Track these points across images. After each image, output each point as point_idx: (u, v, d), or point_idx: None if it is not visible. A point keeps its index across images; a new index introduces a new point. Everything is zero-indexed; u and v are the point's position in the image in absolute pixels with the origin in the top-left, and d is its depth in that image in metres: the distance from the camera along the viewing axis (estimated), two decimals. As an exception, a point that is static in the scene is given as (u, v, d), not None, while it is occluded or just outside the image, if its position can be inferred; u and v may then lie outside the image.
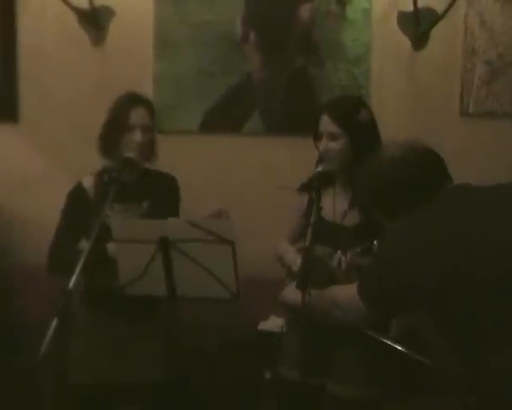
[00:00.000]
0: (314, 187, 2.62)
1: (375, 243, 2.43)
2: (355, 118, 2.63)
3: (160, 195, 2.97)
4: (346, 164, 2.66)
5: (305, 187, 2.75)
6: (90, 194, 2.94)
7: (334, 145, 2.64)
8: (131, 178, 2.94)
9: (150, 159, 2.99)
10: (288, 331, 2.78)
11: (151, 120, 2.94)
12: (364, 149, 2.59)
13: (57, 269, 2.88)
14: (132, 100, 2.94)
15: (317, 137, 2.70)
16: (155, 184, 2.99)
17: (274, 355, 2.47)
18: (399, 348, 2.35)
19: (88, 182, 2.97)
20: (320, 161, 2.69)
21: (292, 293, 2.51)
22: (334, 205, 2.71)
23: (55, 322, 2.33)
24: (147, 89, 3.98)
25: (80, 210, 2.91)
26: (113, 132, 2.91)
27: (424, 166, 2.17)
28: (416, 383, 3.40)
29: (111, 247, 2.71)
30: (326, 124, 2.65)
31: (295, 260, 2.55)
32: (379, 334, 2.40)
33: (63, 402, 3.28)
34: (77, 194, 2.97)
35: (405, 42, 4.04)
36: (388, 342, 2.36)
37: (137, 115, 2.90)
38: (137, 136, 2.87)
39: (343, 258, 2.49)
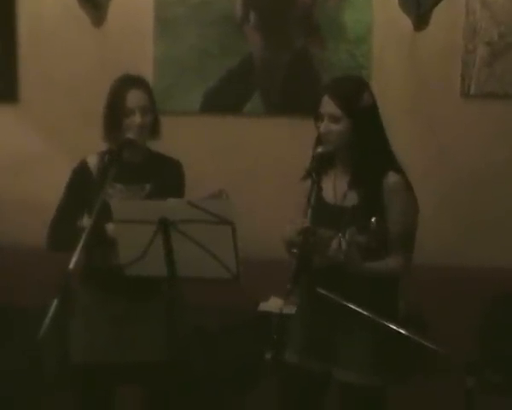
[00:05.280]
0: (314, 168, 2.60)
1: (372, 220, 2.42)
2: (357, 102, 2.60)
3: (163, 178, 2.96)
4: (345, 145, 2.64)
5: (309, 172, 2.71)
6: (93, 172, 2.95)
7: (336, 127, 2.61)
8: (134, 160, 2.93)
9: (154, 137, 2.99)
10: (295, 316, 2.77)
11: (149, 101, 2.93)
12: (365, 133, 2.59)
13: (57, 245, 2.90)
14: (128, 82, 2.92)
15: (318, 117, 2.67)
16: (159, 167, 2.99)
17: (274, 336, 2.46)
18: (403, 332, 2.34)
19: (92, 160, 2.98)
20: (319, 142, 2.68)
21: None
22: (335, 187, 2.69)
23: (55, 303, 2.33)
24: (147, 69, 3.97)
25: (83, 187, 2.92)
26: (113, 116, 2.90)
27: None
28: (416, 364, 3.41)
29: (110, 226, 2.72)
30: (327, 105, 2.61)
31: (290, 229, 2.54)
32: (383, 318, 2.39)
33: (65, 382, 3.29)
34: (81, 171, 2.98)
35: (407, 23, 4.02)
36: (393, 327, 2.35)
37: (134, 98, 2.88)
38: (137, 118, 2.87)
39: (342, 239, 2.48)
